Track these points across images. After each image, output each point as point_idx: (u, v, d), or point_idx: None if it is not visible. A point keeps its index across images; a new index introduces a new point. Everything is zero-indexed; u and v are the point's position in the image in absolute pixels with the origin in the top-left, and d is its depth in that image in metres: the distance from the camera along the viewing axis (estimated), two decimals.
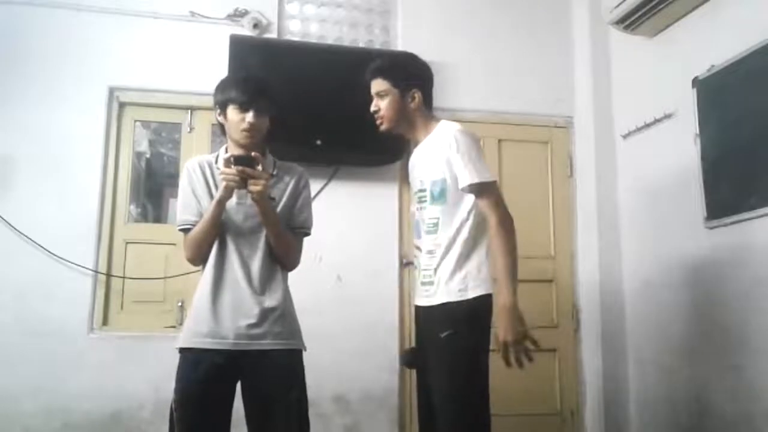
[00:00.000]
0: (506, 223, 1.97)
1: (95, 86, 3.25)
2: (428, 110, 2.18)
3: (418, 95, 2.11)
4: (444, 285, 1.99)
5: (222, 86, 1.94)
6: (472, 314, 1.97)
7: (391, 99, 2.10)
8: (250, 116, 1.85)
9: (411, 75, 2.15)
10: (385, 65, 2.16)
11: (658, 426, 3.15)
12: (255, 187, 1.79)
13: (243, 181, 1.79)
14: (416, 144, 2.19)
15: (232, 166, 1.79)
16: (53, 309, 3.01)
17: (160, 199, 3.61)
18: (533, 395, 3.43)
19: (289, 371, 1.89)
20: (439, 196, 2.03)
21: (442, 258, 2.01)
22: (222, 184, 1.81)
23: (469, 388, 1.95)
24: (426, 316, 2.06)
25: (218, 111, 1.93)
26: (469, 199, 2.02)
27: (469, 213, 2.02)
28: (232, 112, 1.87)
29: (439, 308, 1.99)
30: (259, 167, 1.81)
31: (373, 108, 2.14)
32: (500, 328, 1.92)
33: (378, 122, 2.14)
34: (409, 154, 3.38)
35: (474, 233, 2.02)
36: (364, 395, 3.22)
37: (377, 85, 2.12)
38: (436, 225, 2.03)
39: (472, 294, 1.97)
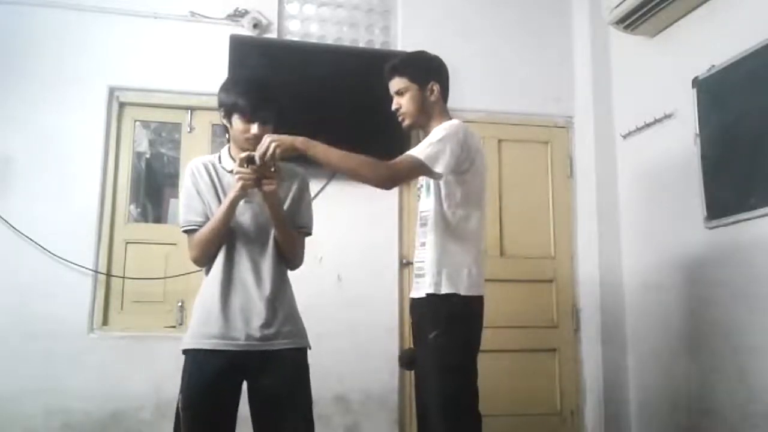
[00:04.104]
0: (378, 170, 1.90)
1: (95, 86, 3.25)
2: (445, 104, 2.19)
3: (436, 87, 2.13)
4: (430, 277, 2.01)
5: (227, 91, 1.89)
6: (457, 312, 1.99)
7: (411, 94, 2.11)
8: (254, 128, 1.85)
9: (427, 68, 2.16)
10: (401, 63, 2.17)
11: (658, 426, 3.15)
12: (269, 186, 1.79)
13: (257, 181, 1.79)
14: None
15: (247, 166, 1.78)
16: (53, 309, 3.00)
17: (160, 199, 3.61)
18: (533, 395, 3.44)
19: (297, 370, 1.90)
20: (428, 189, 2.07)
21: (433, 251, 2.03)
22: (237, 184, 1.79)
23: (454, 387, 1.96)
24: (417, 310, 2.09)
25: (222, 114, 1.91)
26: (456, 196, 2.03)
27: (455, 209, 2.03)
28: (236, 120, 1.86)
29: (427, 301, 2.01)
30: (272, 167, 1.81)
31: (394, 106, 2.15)
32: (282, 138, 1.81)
33: (400, 119, 2.16)
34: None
35: (461, 230, 2.04)
36: (364, 395, 3.22)
37: (396, 83, 2.14)
38: (427, 218, 2.07)
39: (450, 289, 1.99)
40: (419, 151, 1.96)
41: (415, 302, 2.10)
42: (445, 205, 2.03)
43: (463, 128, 2.04)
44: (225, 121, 1.91)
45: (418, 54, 2.24)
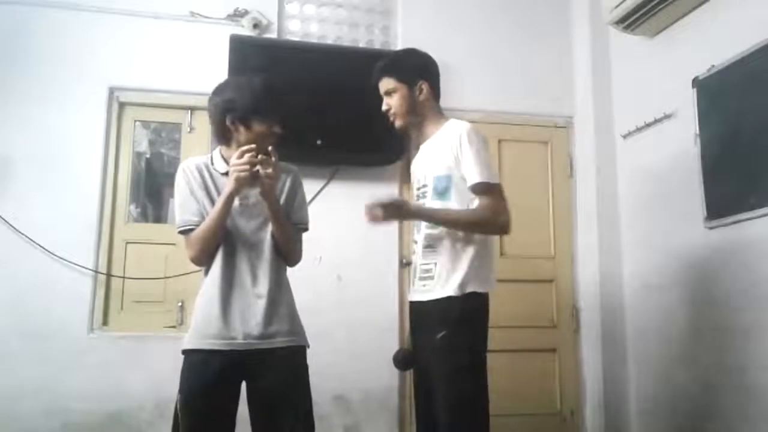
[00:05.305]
0: (498, 219, 2.01)
1: (95, 86, 3.25)
2: (437, 102, 2.18)
3: (425, 86, 2.11)
4: (443, 280, 2.00)
5: (243, 96, 1.88)
6: (468, 312, 1.98)
7: (400, 94, 2.10)
8: (278, 129, 1.91)
9: (416, 67, 2.15)
10: (388, 63, 2.16)
11: (657, 426, 3.14)
12: (268, 180, 1.81)
13: (252, 176, 1.79)
14: (423, 141, 2.19)
15: (245, 156, 1.80)
16: (53, 309, 3.01)
17: (160, 199, 3.60)
18: (533, 395, 3.44)
19: (296, 369, 1.91)
20: (444, 192, 2.04)
21: (443, 253, 2.02)
22: (231, 177, 1.81)
23: (467, 388, 1.95)
24: (423, 312, 2.07)
25: (233, 118, 1.88)
26: (470, 196, 2.03)
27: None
28: (259, 124, 1.88)
29: (437, 304, 2.00)
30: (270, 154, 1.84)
31: (384, 107, 2.14)
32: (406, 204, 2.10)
33: (391, 120, 2.15)
34: (409, 154, 3.43)
35: None
36: (364, 395, 3.22)
37: (385, 84, 2.13)
38: None
39: (468, 289, 1.98)
40: (487, 174, 1.99)
41: (421, 305, 2.07)
42: (464, 207, 2.03)
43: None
44: (234, 125, 1.89)
45: (405, 53, 2.23)
